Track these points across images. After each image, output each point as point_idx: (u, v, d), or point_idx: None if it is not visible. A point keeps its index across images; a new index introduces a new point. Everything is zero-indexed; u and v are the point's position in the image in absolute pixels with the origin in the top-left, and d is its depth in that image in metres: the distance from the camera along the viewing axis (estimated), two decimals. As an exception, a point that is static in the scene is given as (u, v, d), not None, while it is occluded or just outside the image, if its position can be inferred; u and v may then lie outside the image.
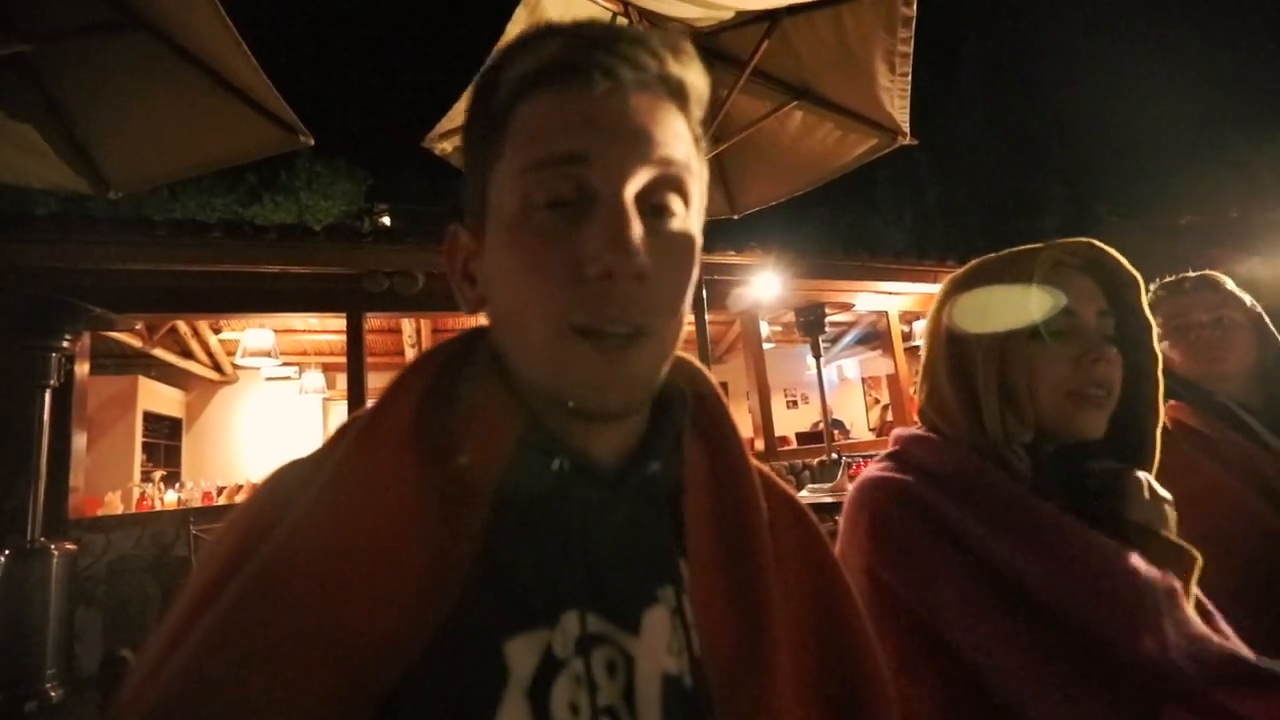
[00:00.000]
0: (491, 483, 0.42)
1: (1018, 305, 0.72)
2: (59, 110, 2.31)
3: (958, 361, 0.77)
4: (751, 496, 0.50)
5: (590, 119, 0.41)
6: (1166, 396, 0.83)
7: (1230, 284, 1.15)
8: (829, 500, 3.12)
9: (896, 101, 2.58)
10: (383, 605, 0.37)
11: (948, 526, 0.67)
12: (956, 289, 0.80)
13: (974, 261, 0.82)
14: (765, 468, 0.55)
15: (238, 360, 5.80)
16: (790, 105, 2.84)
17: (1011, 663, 0.60)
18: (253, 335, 5.63)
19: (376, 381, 7.73)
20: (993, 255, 0.80)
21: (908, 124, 2.71)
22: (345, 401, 4.29)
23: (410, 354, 7.29)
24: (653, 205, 0.43)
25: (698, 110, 0.46)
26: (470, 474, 0.41)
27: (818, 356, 5.25)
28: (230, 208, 11.06)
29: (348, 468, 0.41)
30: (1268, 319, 1.13)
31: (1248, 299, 1.14)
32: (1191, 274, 1.18)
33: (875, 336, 8.38)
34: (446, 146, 2.78)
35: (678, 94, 0.44)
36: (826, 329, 5.97)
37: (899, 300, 6.25)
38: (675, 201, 0.44)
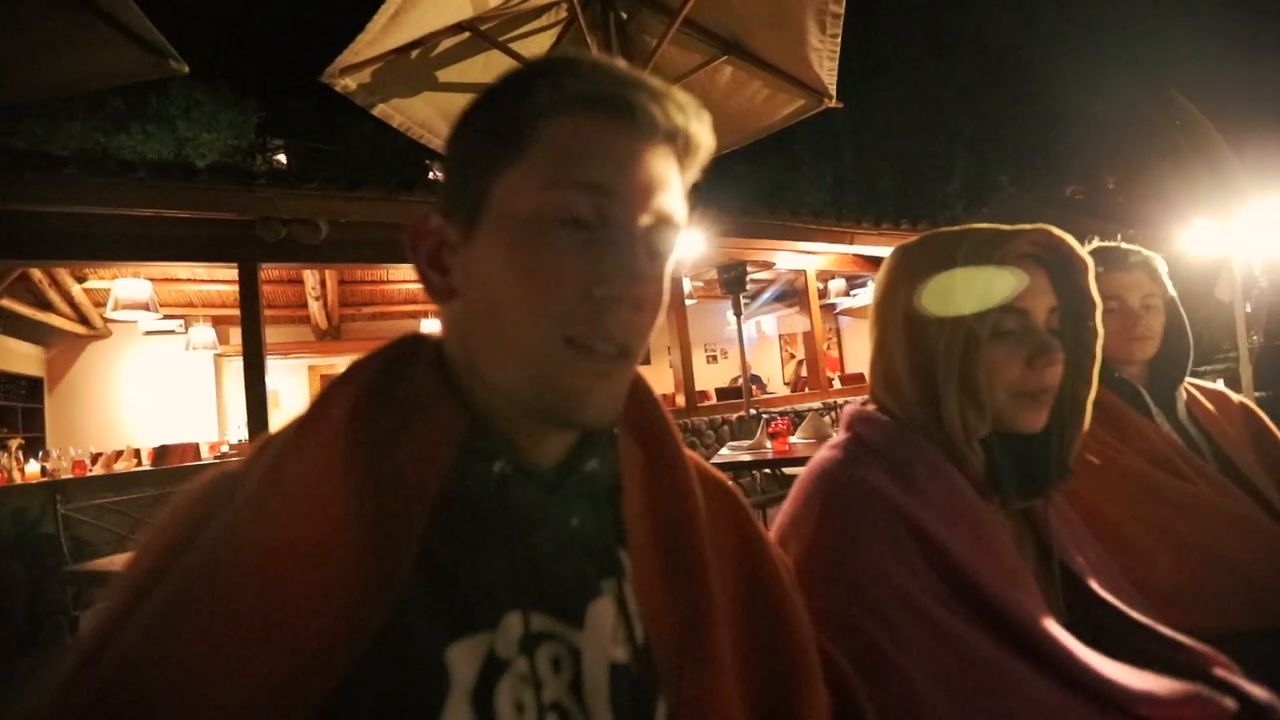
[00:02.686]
0: (430, 488, 0.43)
1: (979, 302, 0.72)
2: None
3: (918, 354, 0.76)
4: (687, 486, 0.53)
5: (624, 157, 0.45)
6: None
7: (1163, 269, 1.20)
8: (747, 459, 3.21)
9: (825, 63, 2.56)
10: (317, 612, 0.37)
11: (900, 513, 0.68)
12: (915, 271, 0.78)
13: (929, 236, 0.80)
14: (698, 457, 0.58)
15: (109, 313, 5.15)
16: (720, 60, 2.76)
17: (943, 609, 0.64)
18: (125, 285, 5.02)
19: (277, 336, 7.24)
20: (949, 234, 0.78)
21: (834, 86, 2.71)
22: (240, 358, 3.92)
23: (314, 307, 6.81)
24: (651, 246, 0.46)
25: (697, 170, 0.50)
26: (408, 479, 0.42)
27: (739, 313, 5.35)
28: (89, 136, 9.52)
29: (280, 471, 0.41)
30: (1180, 306, 1.20)
31: (1170, 286, 1.20)
32: (1131, 250, 1.20)
33: (793, 294, 8.64)
34: (349, 83, 2.52)
35: (690, 153, 0.49)
36: (747, 286, 6.09)
37: (816, 259, 6.42)
38: (665, 246, 0.48)
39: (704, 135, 0.48)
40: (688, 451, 0.55)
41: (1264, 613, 0.95)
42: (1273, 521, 1.03)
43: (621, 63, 0.47)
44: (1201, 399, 1.22)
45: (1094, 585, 0.75)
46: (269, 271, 4.30)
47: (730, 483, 0.60)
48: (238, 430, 6.42)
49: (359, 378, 0.47)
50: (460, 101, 2.68)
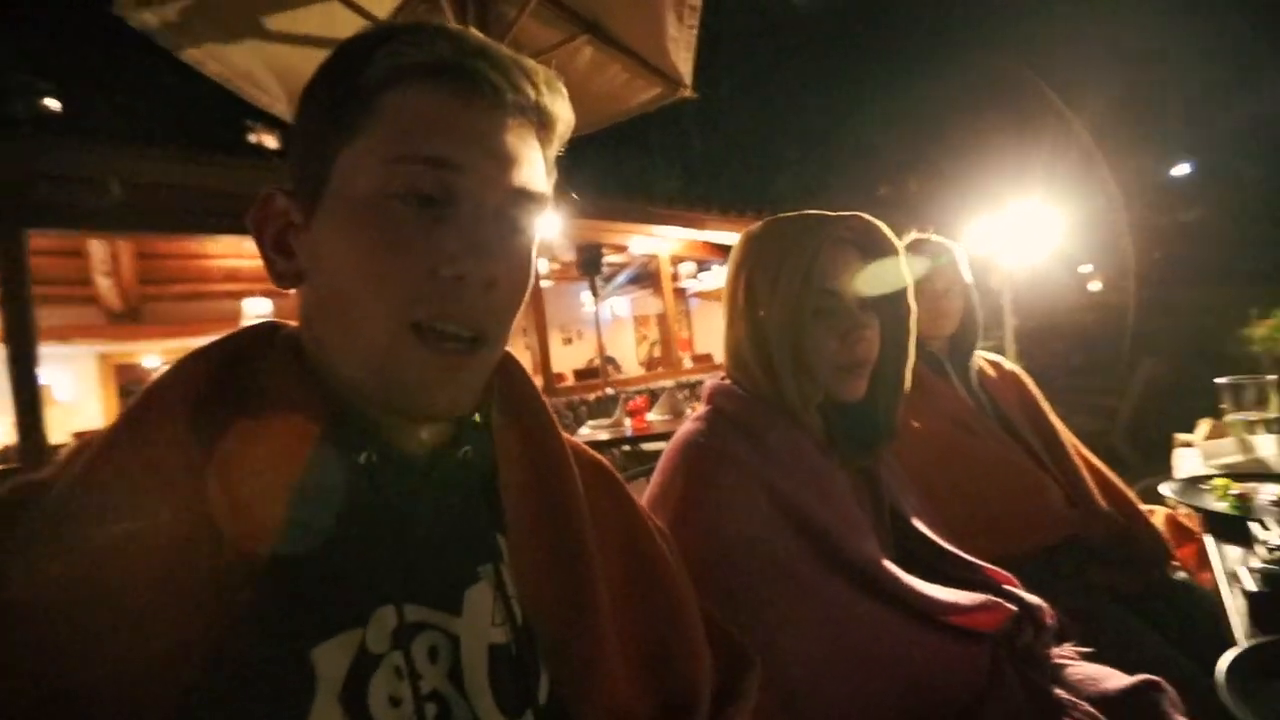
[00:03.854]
0: (286, 484, 0.40)
1: (801, 285, 0.80)
2: None
3: (758, 333, 0.84)
4: (564, 468, 0.53)
5: (470, 131, 0.43)
6: None
7: (963, 259, 1.42)
8: (607, 437, 3.29)
9: (682, 53, 2.65)
10: (152, 625, 0.34)
11: (758, 478, 0.76)
12: (752, 256, 0.86)
13: (767, 223, 0.88)
14: (574, 439, 0.59)
15: None
16: (580, 39, 2.75)
17: (800, 562, 0.73)
18: None
19: (53, 319, 6.02)
20: (782, 221, 0.86)
21: (690, 76, 2.81)
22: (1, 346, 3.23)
23: (104, 285, 5.77)
24: (507, 223, 0.45)
25: (558, 145, 0.49)
26: (261, 476, 0.39)
27: (595, 295, 5.41)
28: None
29: (103, 473, 0.37)
30: (974, 293, 1.43)
31: (967, 273, 1.42)
32: (938, 242, 1.42)
33: (647, 277, 8.89)
34: (149, 19, 2.14)
35: (546, 126, 0.47)
36: (603, 269, 6.17)
37: (669, 244, 6.66)
38: (524, 223, 0.46)
39: (559, 107, 0.47)
40: (564, 433, 0.56)
41: (1034, 537, 1.19)
42: (1037, 467, 1.28)
43: (471, 31, 0.45)
44: (987, 368, 1.47)
45: (917, 525, 0.88)
46: (40, 240, 3.56)
47: (606, 461, 0.61)
48: (2, 434, 5.29)
49: (200, 367, 0.43)
50: (294, 56, 2.41)
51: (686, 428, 0.84)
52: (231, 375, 0.43)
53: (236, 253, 5.54)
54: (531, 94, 0.45)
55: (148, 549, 0.35)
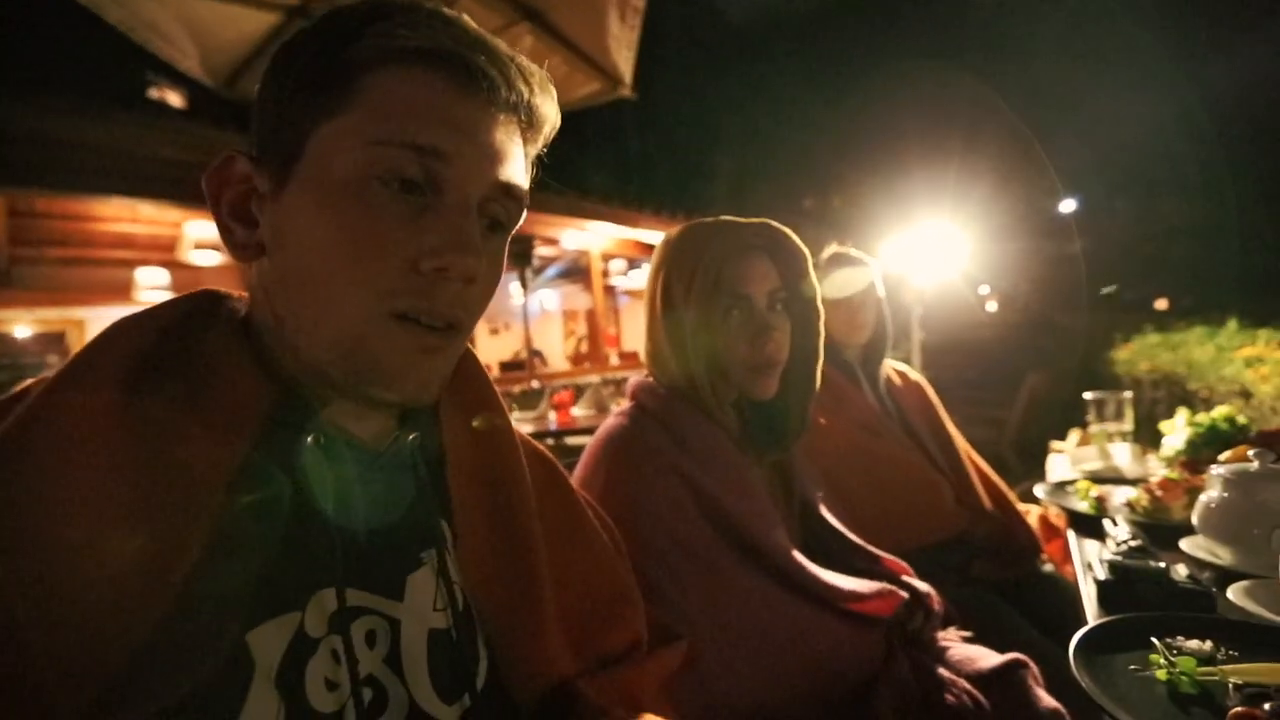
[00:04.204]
0: (228, 464, 0.39)
1: (713, 289, 0.84)
2: None
3: (673, 336, 0.87)
4: (512, 456, 0.54)
5: (462, 122, 0.42)
6: None
7: (878, 273, 1.51)
8: (531, 430, 3.27)
9: (624, 51, 2.67)
10: (70, 606, 0.33)
11: (677, 471, 0.80)
12: (669, 260, 0.88)
13: (684, 228, 0.90)
14: (520, 430, 0.59)
15: None
16: (520, 25, 2.71)
17: (717, 551, 0.77)
18: None
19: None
20: (697, 226, 0.89)
21: (630, 76, 2.84)
22: None
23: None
24: (488, 219, 0.45)
25: (541, 145, 0.49)
26: (201, 455, 0.38)
27: (524, 287, 5.35)
28: None
29: (22, 445, 0.35)
30: (886, 305, 1.53)
31: (881, 287, 1.52)
32: (857, 256, 1.51)
33: (577, 272, 8.84)
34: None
35: (535, 126, 0.47)
36: (534, 261, 6.11)
37: (601, 240, 6.67)
38: (503, 219, 0.47)
39: (549, 109, 0.47)
40: (511, 422, 0.56)
41: (927, 533, 1.30)
42: (933, 469, 1.40)
43: (465, 19, 0.44)
44: (894, 376, 1.58)
45: (825, 517, 0.95)
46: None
47: (548, 453, 0.62)
48: None
49: (132, 338, 0.40)
50: (208, 11, 2.24)
51: (610, 422, 0.87)
52: (171, 346, 0.41)
53: (131, 217, 5.06)
54: (525, 92, 0.45)
55: (76, 520, 0.34)
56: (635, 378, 0.95)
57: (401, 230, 0.41)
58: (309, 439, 0.43)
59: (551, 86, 0.47)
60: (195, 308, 0.44)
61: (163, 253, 5.20)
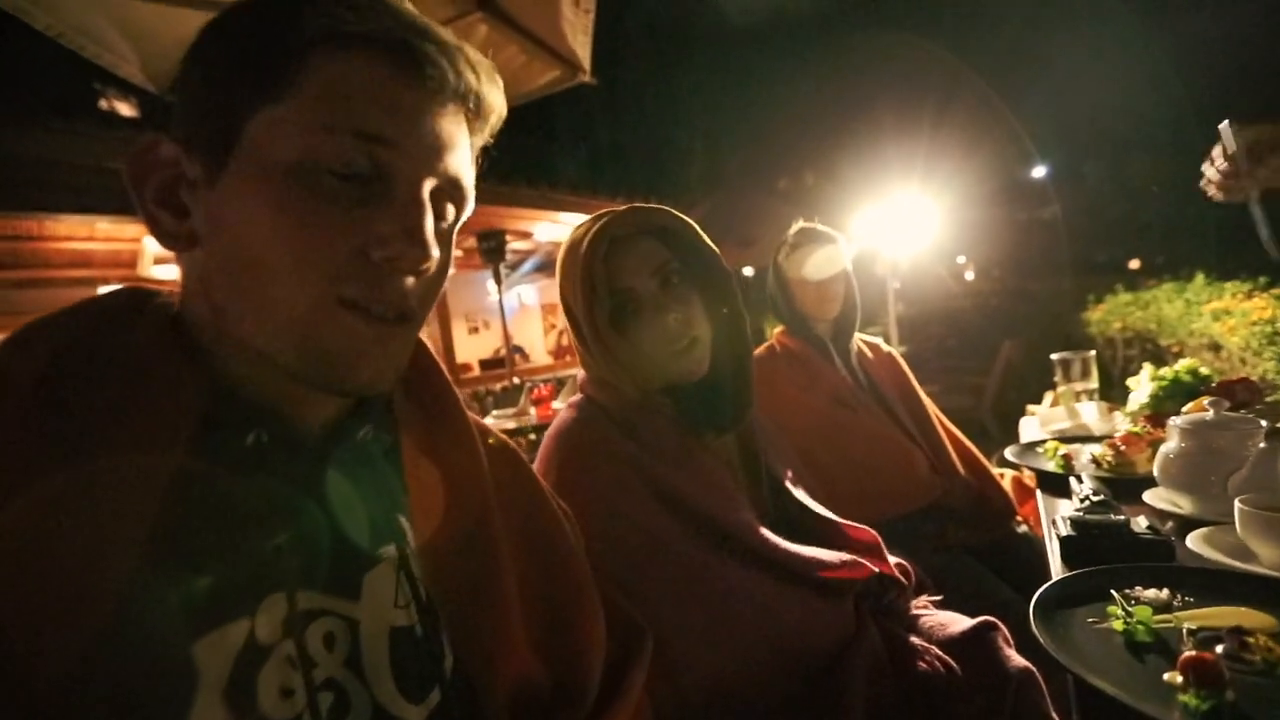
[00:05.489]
0: (163, 469, 0.37)
1: (594, 293, 0.81)
2: None
3: (585, 344, 0.85)
4: (470, 449, 0.53)
5: (409, 110, 0.41)
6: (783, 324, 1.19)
7: (846, 249, 1.50)
8: (512, 425, 3.25)
9: (579, 37, 2.62)
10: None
11: (629, 460, 0.79)
12: (561, 270, 0.85)
13: (570, 234, 0.86)
14: (480, 420, 0.58)
15: None
16: (473, 15, 2.65)
17: (675, 538, 0.76)
18: None
19: None
20: (575, 230, 0.85)
21: (588, 61, 2.79)
22: None
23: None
24: (437, 208, 0.45)
25: (486, 134, 0.49)
26: (131, 461, 0.36)
27: (499, 283, 5.30)
28: None
29: None
30: (854, 279, 1.52)
31: (848, 262, 1.51)
32: (826, 232, 1.50)
33: (552, 265, 8.78)
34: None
35: (482, 116, 0.47)
36: (507, 256, 6.04)
37: (575, 232, 6.62)
38: (450, 210, 0.46)
39: (496, 99, 0.47)
40: (470, 414, 0.55)
41: (903, 502, 1.31)
42: (907, 440, 1.40)
43: (408, 5, 0.43)
44: (865, 350, 1.58)
45: (794, 491, 0.94)
46: None
47: (511, 442, 0.61)
48: None
49: (48, 338, 0.38)
50: (147, 13, 2.16)
51: (561, 416, 0.86)
52: (88, 349, 0.39)
53: (87, 234, 4.93)
54: (472, 81, 0.44)
55: None
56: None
57: (348, 216, 0.40)
58: (250, 438, 0.41)
59: (498, 76, 0.47)
60: (117, 305, 0.42)
61: (123, 269, 5.08)
